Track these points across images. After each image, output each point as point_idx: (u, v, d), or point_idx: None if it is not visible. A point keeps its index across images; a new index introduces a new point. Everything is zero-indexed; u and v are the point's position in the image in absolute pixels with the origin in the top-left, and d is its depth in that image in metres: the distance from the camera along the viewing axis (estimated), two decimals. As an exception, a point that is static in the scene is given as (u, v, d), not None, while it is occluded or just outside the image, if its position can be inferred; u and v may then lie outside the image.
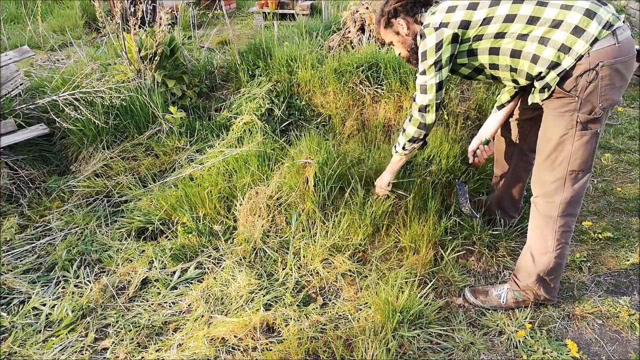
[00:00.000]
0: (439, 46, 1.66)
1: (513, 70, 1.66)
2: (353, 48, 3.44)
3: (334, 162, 2.35)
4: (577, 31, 1.48)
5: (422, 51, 1.70)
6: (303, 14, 5.71)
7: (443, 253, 2.15)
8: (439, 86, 1.74)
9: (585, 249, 2.29)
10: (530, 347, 1.76)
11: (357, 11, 3.60)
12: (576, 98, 1.55)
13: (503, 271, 2.17)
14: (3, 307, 2.03)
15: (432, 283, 2.03)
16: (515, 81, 1.72)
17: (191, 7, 5.31)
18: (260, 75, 3.27)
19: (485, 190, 2.54)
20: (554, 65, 1.54)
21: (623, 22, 1.53)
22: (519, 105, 1.99)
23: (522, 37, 1.56)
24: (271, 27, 4.45)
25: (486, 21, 1.60)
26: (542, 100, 1.65)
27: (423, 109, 1.81)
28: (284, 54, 3.24)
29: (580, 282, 2.09)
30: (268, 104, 3.00)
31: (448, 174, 2.47)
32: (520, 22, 1.55)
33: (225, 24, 5.54)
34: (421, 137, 1.91)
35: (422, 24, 1.79)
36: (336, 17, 4.25)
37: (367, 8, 3.49)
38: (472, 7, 1.63)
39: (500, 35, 1.60)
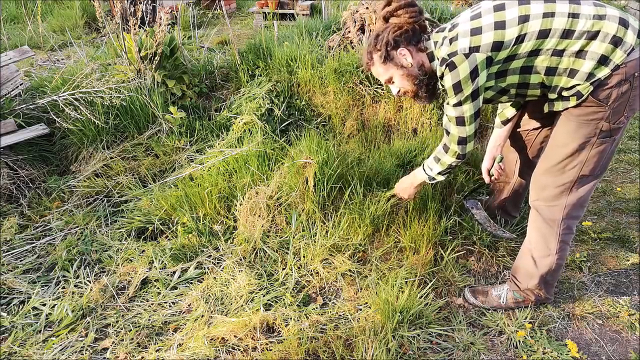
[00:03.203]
0: (474, 74, 1.50)
1: (545, 87, 1.58)
2: (353, 48, 3.43)
3: (334, 162, 2.35)
4: (616, 41, 1.42)
5: (455, 82, 1.53)
6: (303, 14, 5.71)
7: (443, 253, 2.15)
8: (477, 115, 1.62)
9: (585, 249, 2.29)
10: (530, 347, 1.76)
11: (357, 11, 3.60)
12: (606, 108, 1.49)
13: (503, 271, 2.17)
14: (3, 307, 2.03)
15: (432, 283, 2.03)
16: (544, 96, 1.64)
17: (191, 7, 5.30)
18: (260, 75, 3.27)
19: (486, 191, 2.54)
20: (589, 76, 1.48)
21: None
22: (526, 115, 1.96)
23: (558, 53, 1.47)
24: (271, 27, 4.46)
25: (519, 39, 1.48)
26: (565, 108, 1.58)
27: (463, 141, 1.68)
28: (284, 54, 3.24)
29: (580, 282, 2.09)
30: (268, 104, 3.00)
31: (448, 174, 2.47)
32: (555, 37, 1.45)
33: (225, 24, 5.54)
34: (459, 165, 1.80)
35: (426, 50, 1.66)
36: (336, 17, 4.24)
37: (367, 8, 3.49)
38: (500, 26, 1.48)
39: (534, 53, 1.49)
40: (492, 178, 2.11)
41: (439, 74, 1.62)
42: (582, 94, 1.50)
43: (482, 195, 2.51)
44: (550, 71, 1.52)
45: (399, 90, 1.76)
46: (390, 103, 2.95)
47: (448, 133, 1.71)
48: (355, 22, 3.57)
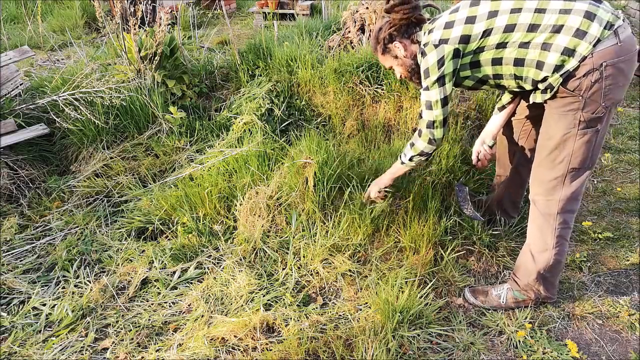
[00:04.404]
0: (440, 63, 1.65)
1: (518, 78, 1.66)
2: (353, 48, 3.44)
3: (334, 162, 2.35)
4: (579, 34, 1.49)
5: (424, 69, 1.70)
6: (303, 14, 5.71)
7: (443, 253, 2.15)
8: (444, 101, 1.74)
9: (585, 249, 2.29)
10: (530, 347, 1.76)
11: (357, 11, 3.60)
12: (580, 98, 1.55)
13: (503, 271, 2.17)
14: (3, 307, 2.03)
15: (432, 283, 2.03)
16: (520, 87, 1.72)
17: (191, 7, 5.30)
18: (260, 75, 3.27)
19: (485, 190, 2.54)
20: (557, 68, 1.54)
21: (623, 20, 1.53)
22: (520, 104, 1.99)
23: (524, 45, 1.56)
24: (271, 27, 4.46)
25: (486, 33, 1.60)
26: (544, 100, 1.66)
27: (431, 125, 1.80)
28: (284, 54, 3.24)
29: (580, 282, 2.09)
30: (268, 104, 3.00)
31: (448, 174, 2.47)
32: (520, 31, 1.55)
33: (225, 24, 5.54)
34: (431, 152, 1.89)
35: (419, 43, 1.80)
36: (336, 17, 4.24)
37: (367, 8, 3.49)
38: (470, 20, 1.62)
39: (502, 45, 1.59)
40: (480, 163, 2.12)
41: (419, 62, 1.78)
42: (553, 86, 1.58)
43: (482, 195, 2.51)
44: (519, 62, 1.60)
45: (400, 75, 1.94)
46: (390, 103, 2.95)
47: (421, 117, 1.84)
48: (355, 22, 3.58)
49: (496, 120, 2.06)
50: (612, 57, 1.49)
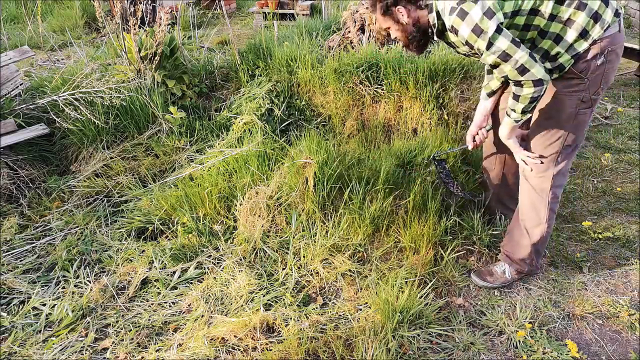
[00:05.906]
0: (489, 14, 1.50)
1: (534, 46, 1.68)
2: (353, 48, 3.44)
3: (334, 162, 2.35)
4: (597, 16, 1.56)
5: (473, 27, 1.52)
6: (303, 14, 5.71)
7: (443, 253, 2.15)
8: (516, 42, 1.53)
9: (585, 249, 2.29)
10: (530, 347, 1.76)
11: (357, 11, 3.60)
12: (586, 80, 1.64)
13: (503, 271, 2.17)
14: (3, 307, 2.03)
15: (432, 283, 2.03)
16: None
17: (191, 7, 5.31)
18: (260, 75, 3.27)
19: (483, 189, 2.53)
20: (570, 48, 1.61)
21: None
22: (505, 93, 2.00)
23: (552, 17, 1.59)
24: (271, 27, 4.46)
25: None
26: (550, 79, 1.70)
27: (523, 70, 1.55)
28: (284, 54, 3.24)
29: (580, 282, 2.09)
30: (268, 104, 3.00)
31: (448, 174, 2.47)
32: (552, 1, 1.57)
33: (225, 24, 5.54)
34: (542, 93, 1.62)
35: (427, 7, 1.70)
36: (336, 17, 4.24)
37: (367, 8, 3.49)
38: None
39: (534, 12, 1.60)
40: (475, 144, 2.11)
41: (447, 25, 1.62)
42: (564, 67, 1.65)
43: (481, 196, 2.50)
44: (542, 33, 1.64)
45: (396, 38, 1.85)
46: (390, 103, 2.95)
47: (508, 78, 1.63)
48: (355, 22, 3.58)
49: (487, 105, 2.07)
50: (614, 44, 1.61)
